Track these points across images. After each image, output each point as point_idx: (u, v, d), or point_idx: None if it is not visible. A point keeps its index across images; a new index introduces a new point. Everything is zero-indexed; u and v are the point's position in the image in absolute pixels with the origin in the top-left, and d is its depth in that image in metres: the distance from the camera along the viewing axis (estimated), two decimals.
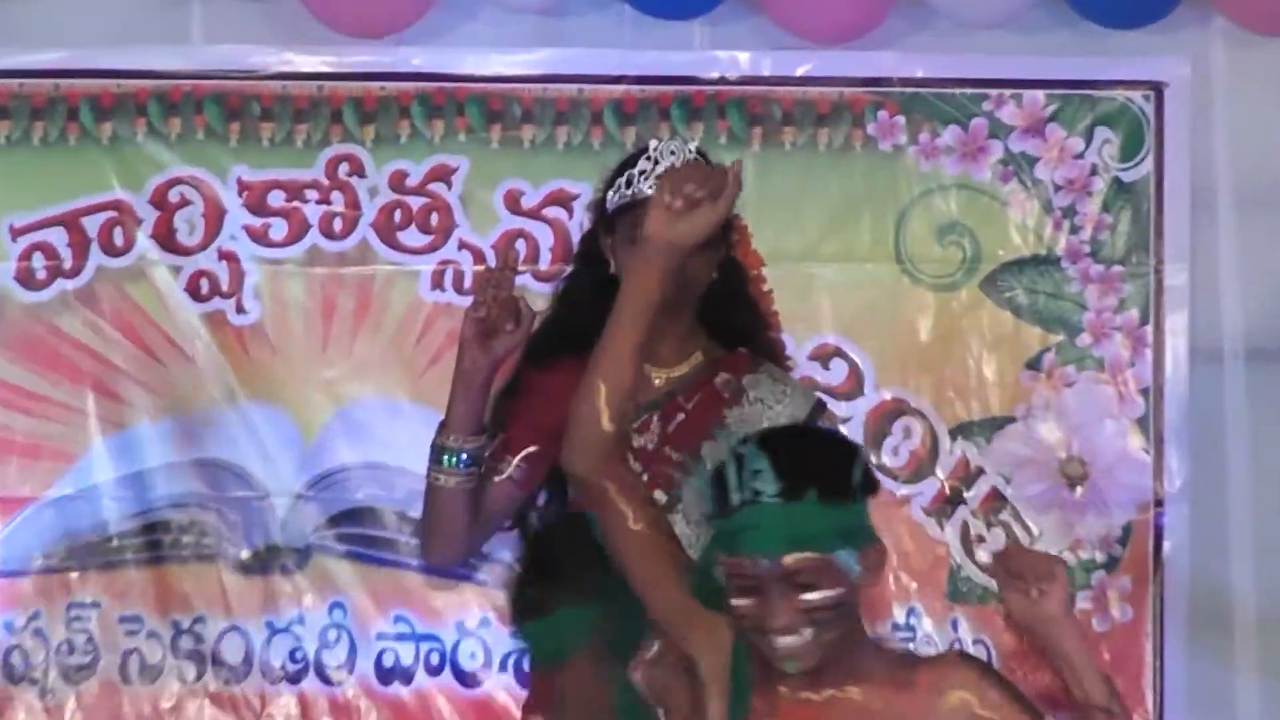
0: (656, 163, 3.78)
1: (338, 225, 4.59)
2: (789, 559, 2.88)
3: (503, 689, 4.60)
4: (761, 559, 2.94)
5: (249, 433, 4.55)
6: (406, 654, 4.69)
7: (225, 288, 4.59)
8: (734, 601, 3.00)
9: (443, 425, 3.66)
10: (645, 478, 3.71)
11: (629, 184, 3.79)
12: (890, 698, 3.07)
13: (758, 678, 3.11)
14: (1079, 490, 4.61)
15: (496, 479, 3.73)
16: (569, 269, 4.02)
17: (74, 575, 4.53)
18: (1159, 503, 4.64)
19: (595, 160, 4.26)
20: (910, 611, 4.67)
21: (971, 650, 4.66)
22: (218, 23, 4.63)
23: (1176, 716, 4.71)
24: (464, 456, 3.71)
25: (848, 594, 2.97)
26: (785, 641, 2.98)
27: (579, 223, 4.18)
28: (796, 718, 3.12)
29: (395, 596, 4.61)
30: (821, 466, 2.99)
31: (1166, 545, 4.61)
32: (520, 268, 4.18)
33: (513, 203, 4.63)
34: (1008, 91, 4.68)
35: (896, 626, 4.72)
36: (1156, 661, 4.65)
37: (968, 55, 4.76)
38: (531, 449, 3.72)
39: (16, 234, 4.51)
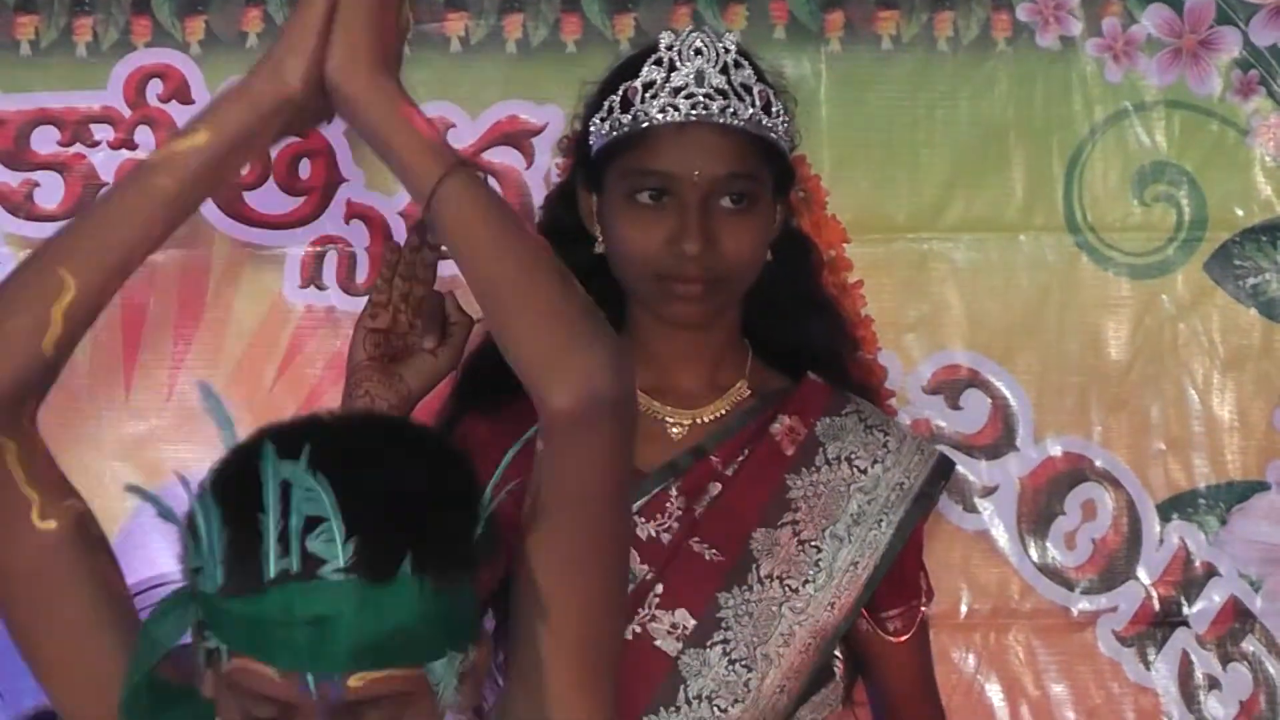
0: (674, 69, 3.82)
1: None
2: (356, 680, 2.70)
3: None
4: (304, 677, 2.74)
5: None
6: None
7: None
8: None
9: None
10: (659, 590, 3.89)
11: (626, 105, 3.80)
12: None
13: None
14: None
15: None
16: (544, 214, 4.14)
17: None
18: None
19: (566, 70, 4.32)
20: None
21: None
22: None
23: None
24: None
25: None
26: None
27: (542, 172, 4.30)
28: None
29: None
30: (425, 514, 2.78)
31: None
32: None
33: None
34: None
35: None
36: None
37: None
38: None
39: None
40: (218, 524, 2.83)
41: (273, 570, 2.76)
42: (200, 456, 4.57)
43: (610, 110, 3.98)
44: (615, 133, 3.99)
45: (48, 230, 4.72)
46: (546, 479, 3.13)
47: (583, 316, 3.12)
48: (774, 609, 4.06)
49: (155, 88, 4.94)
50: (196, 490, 2.89)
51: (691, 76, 4.04)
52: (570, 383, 3.00)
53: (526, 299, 3.12)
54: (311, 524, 2.75)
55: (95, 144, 4.86)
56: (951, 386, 4.91)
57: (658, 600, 4.04)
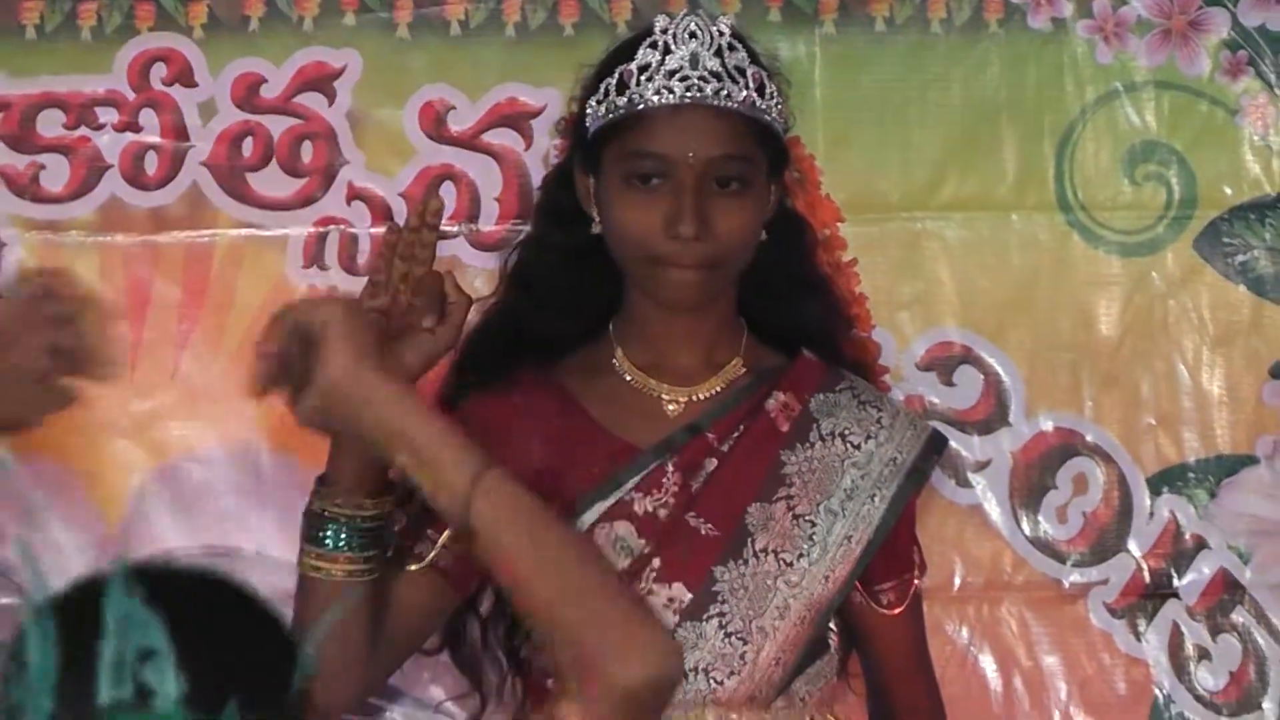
0: (668, 52, 3.89)
1: (151, 165, 4.60)
2: None
3: None
4: None
5: (14, 506, 4.59)
6: None
7: None
8: None
9: (322, 482, 3.54)
10: (656, 564, 3.93)
11: (623, 88, 3.84)
12: None
13: None
14: None
15: (412, 567, 3.68)
16: (526, 228, 4.10)
17: None
18: None
19: (565, 53, 4.30)
20: None
21: None
22: None
23: None
24: (357, 531, 3.67)
25: None
26: None
27: (541, 153, 4.21)
28: None
29: None
30: (254, 662, 2.65)
31: None
32: (445, 226, 4.14)
33: (431, 125, 4.62)
34: None
35: None
36: None
37: None
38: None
39: None
40: (52, 649, 2.61)
41: (106, 698, 2.54)
42: (203, 434, 5.07)
43: (606, 93, 3.99)
44: (611, 115, 4.02)
45: (53, 212, 5.04)
46: None
47: (636, 601, 3.44)
48: (769, 583, 4.07)
49: (159, 71, 4.89)
50: (32, 612, 2.55)
51: (686, 59, 4.08)
52: (643, 660, 3.13)
53: (583, 588, 3.26)
54: (145, 658, 2.52)
55: (100, 127, 4.82)
56: (945, 363, 4.90)
57: (654, 574, 4.02)
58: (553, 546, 3.30)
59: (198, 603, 2.66)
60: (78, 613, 2.49)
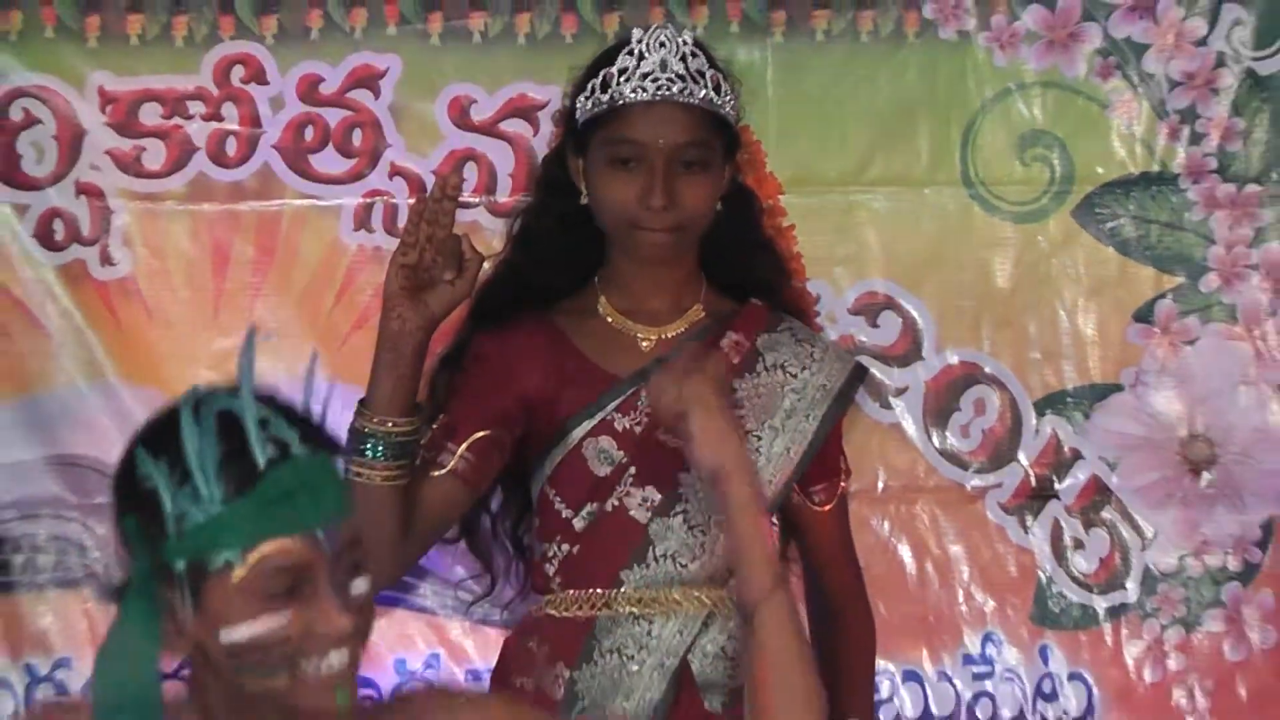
0: (642, 58, 3.89)
1: (231, 147, 4.60)
2: (345, 527, 2.72)
3: None
4: (317, 534, 2.71)
5: (120, 421, 4.46)
6: None
7: (86, 232, 4.63)
8: (264, 626, 2.64)
9: (363, 404, 3.64)
10: (632, 471, 3.92)
11: (605, 87, 3.89)
12: None
13: None
14: (1205, 478, 4.62)
15: (435, 474, 3.71)
16: (530, 199, 4.10)
17: None
18: None
19: (565, 57, 4.24)
20: (987, 639, 4.73)
21: (1067, 689, 4.91)
22: None
23: None
24: (391, 444, 3.67)
25: None
26: (334, 659, 2.75)
27: (545, 140, 4.24)
28: None
29: None
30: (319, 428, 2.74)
31: None
32: (468, 198, 4.39)
33: (458, 115, 4.64)
34: None
35: (969, 659, 4.78)
36: None
37: None
38: (481, 434, 3.72)
39: None
40: (210, 442, 2.66)
41: (262, 459, 2.60)
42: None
43: (592, 91, 4.01)
44: (596, 109, 4.01)
45: (151, 186, 4.90)
46: None
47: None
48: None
49: (238, 72, 4.87)
50: (144, 449, 2.67)
51: (657, 64, 4.05)
52: None
53: (804, 710, 3.21)
54: (268, 425, 2.61)
55: (190, 117, 4.81)
56: (871, 309, 4.88)
57: (631, 479, 4.02)
58: (796, 676, 3.22)
59: (275, 398, 2.69)
60: (210, 415, 2.59)
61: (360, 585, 2.65)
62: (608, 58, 3.98)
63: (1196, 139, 4.82)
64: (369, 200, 4.75)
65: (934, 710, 4.93)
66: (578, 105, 3.99)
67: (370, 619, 2.73)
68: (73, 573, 4.77)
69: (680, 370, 3.51)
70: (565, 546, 4.12)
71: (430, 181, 4.49)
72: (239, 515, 2.64)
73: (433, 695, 3.23)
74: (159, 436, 2.61)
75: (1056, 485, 4.85)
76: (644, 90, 4.00)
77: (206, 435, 2.59)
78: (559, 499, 4.03)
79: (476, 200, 4.63)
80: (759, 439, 4.10)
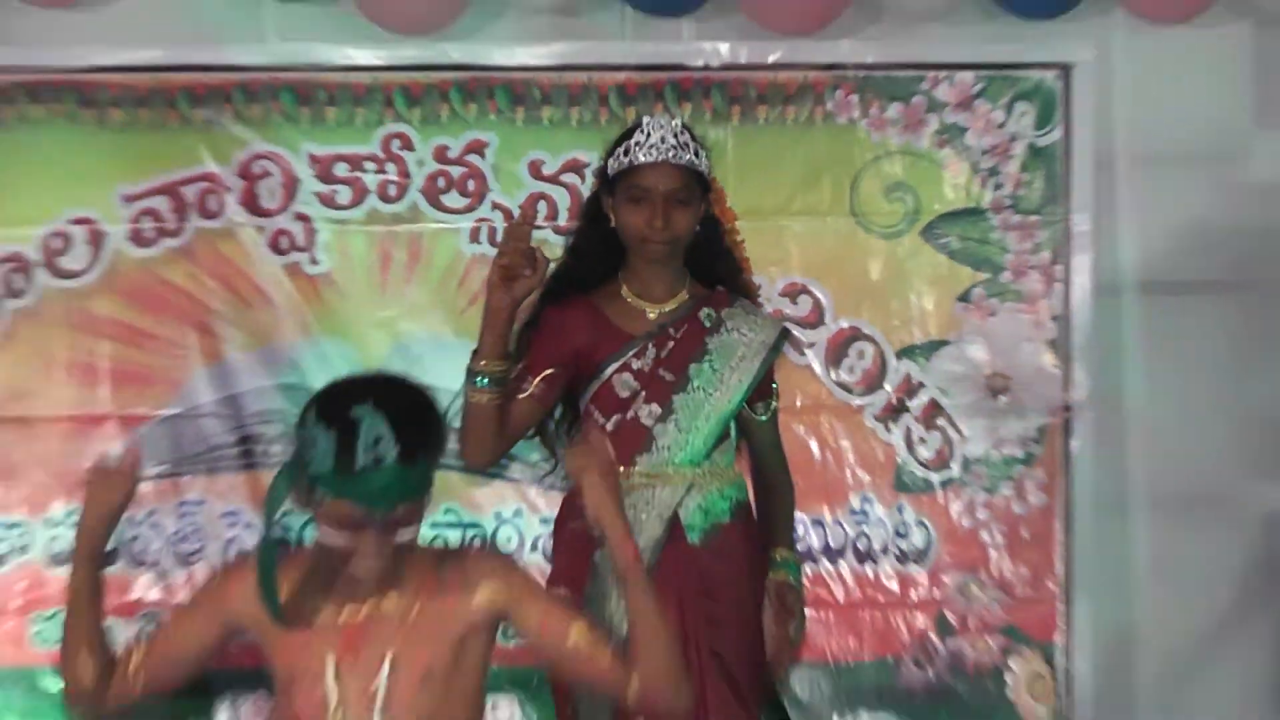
0: (649, 135, 3.74)
1: (392, 190, 4.59)
2: (401, 506, 2.86)
3: (534, 566, 4.43)
4: (373, 509, 2.87)
5: (321, 362, 4.54)
6: (454, 538, 4.68)
7: (301, 243, 4.61)
8: (329, 537, 2.91)
9: (475, 353, 3.58)
10: (643, 394, 3.70)
11: (626, 153, 3.76)
12: (426, 603, 2.97)
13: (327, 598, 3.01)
14: (1002, 399, 4.71)
15: (520, 396, 3.66)
16: (578, 225, 3.97)
17: (184, 479, 4.59)
18: (1067, 408, 4.71)
19: (602, 134, 4.14)
20: (865, 499, 4.71)
21: (914, 531, 4.75)
22: (289, 24, 4.60)
23: (1081, 581, 4.75)
24: (492, 378, 3.65)
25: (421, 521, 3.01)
26: (366, 566, 2.94)
27: (588, 187, 4.05)
28: (343, 638, 3.01)
29: (444, 492, 4.37)
30: (430, 432, 2.95)
31: (1074, 443, 4.72)
32: (541, 224, 4.24)
33: (535, 171, 4.63)
34: (942, 73, 4.67)
35: (854, 512, 4.73)
36: (1066, 538, 4.73)
37: (910, 44, 4.68)
38: (548, 371, 3.65)
39: (128, 200, 4.55)
40: (331, 438, 2.87)
41: (360, 464, 2.85)
42: (415, 328, 4.76)
43: (618, 155, 3.84)
44: (620, 166, 3.83)
45: (342, 215, 4.71)
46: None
47: (680, 658, 3.14)
48: (700, 401, 3.79)
49: (395, 143, 4.78)
50: (311, 413, 2.93)
51: (658, 139, 3.83)
52: (678, 690, 3.06)
53: (655, 636, 3.03)
54: (377, 440, 2.85)
55: (365, 171, 4.72)
56: (792, 293, 4.83)
57: (641, 399, 3.75)
58: (646, 617, 3.04)
59: (398, 396, 2.90)
60: (339, 414, 2.80)
61: (404, 535, 2.88)
62: (628, 134, 3.85)
63: (998, 187, 4.78)
64: (478, 224, 4.67)
65: (831, 544, 4.83)
66: (609, 164, 3.83)
67: (414, 533, 2.96)
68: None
69: (580, 449, 3.23)
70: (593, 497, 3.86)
71: (517, 213, 4.46)
72: (334, 483, 2.85)
73: (476, 553, 3.47)
74: (323, 405, 2.84)
75: (908, 404, 4.83)
76: (650, 155, 3.79)
77: (333, 436, 2.80)
78: (597, 411, 3.83)
79: (545, 225, 4.47)
80: (721, 374, 3.81)
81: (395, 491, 2.71)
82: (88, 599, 2.94)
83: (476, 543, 4.63)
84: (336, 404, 2.68)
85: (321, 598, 2.81)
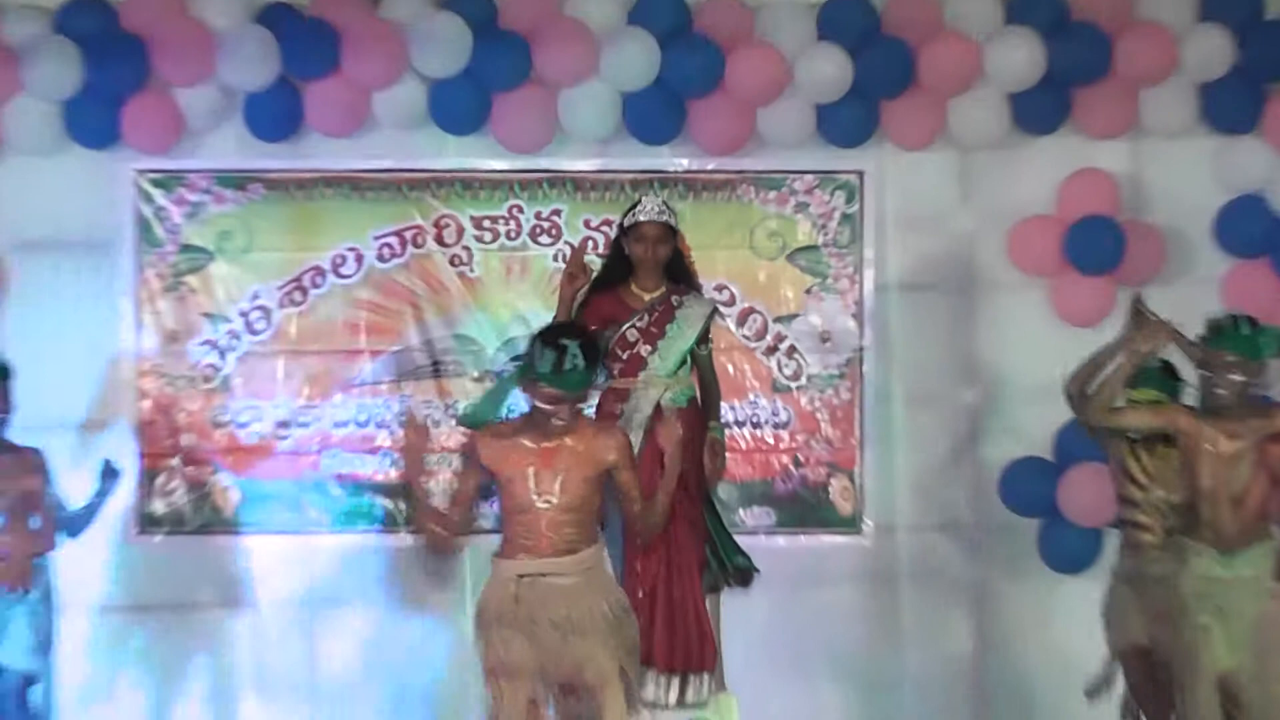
0: (645, 206, 4.18)
1: (512, 234, 5.05)
2: (579, 393, 3.18)
3: None
4: (569, 392, 3.20)
5: (474, 324, 5.05)
6: None
7: (464, 261, 5.11)
8: (540, 405, 3.22)
9: (554, 318, 4.25)
10: (642, 340, 4.08)
11: (633, 215, 4.28)
12: (589, 443, 3.31)
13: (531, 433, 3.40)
14: (827, 344, 5.32)
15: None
16: (609, 254, 4.36)
17: (401, 385, 5.09)
18: (860, 349, 5.32)
19: (622, 205, 4.69)
20: (756, 396, 5.17)
21: (782, 412, 5.05)
22: (461, 146, 4.98)
23: (868, 439, 5.24)
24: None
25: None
26: (559, 422, 3.18)
27: (615, 231, 4.35)
28: (541, 457, 3.36)
29: None
30: (597, 356, 3.26)
31: (865, 368, 5.36)
32: (590, 255, 4.60)
33: (586, 224, 5.16)
34: (797, 176, 5.26)
35: (750, 402, 5.13)
36: (860, 416, 5.31)
37: (781, 160, 5.21)
38: (593, 328, 3.88)
39: (376, 238, 5.11)
40: (553, 355, 3.08)
41: (565, 368, 3.05)
42: (523, 305, 4.85)
43: (629, 216, 4.16)
44: (630, 221, 4.17)
45: (488, 247, 4.89)
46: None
47: (667, 510, 3.47)
48: (670, 344, 3.94)
49: (513, 210, 4.95)
50: (538, 342, 3.15)
51: (650, 207, 4.07)
52: (657, 521, 3.39)
53: (662, 501, 3.27)
54: (564, 351, 3.08)
55: (500, 223, 5.11)
56: (720, 288, 4.98)
57: (641, 342, 3.99)
58: (669, 490, 3.22)
59: (583, 337, 3.17)
60: (553, 343, 3.04)
61: (579, 408, 3.12)
62: (634, 205, 4.30)
63: (825, 234, 5.15)
64: (556, 252, 5.05)
65: (738, 419, 5.03)
66: (625, 220, 4.24)
67: (584, 407, 3.25)
68: (461, 371, 4.81)
69: (669, 428, 3.38)
70: (619, 365, 4.19)
71: (575, 247, 4.80)
72: (551, 378, 3.07)
73: (611, 424, 3.64)
74: (545, 338, 3.13)
75: (779, 346, 5.13)
76: (646, 216, 4.15)
77: (553, 354, 3.04)
78: (618, 349, 4.16)
79: (593, 254, 4.74)
80: (683, 330, 4.04)
81: (579, 384, 3.17)
82: (423, 496, 3.36)
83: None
84: (553, 338, 3.19)
85: (529, 436, 3.24)
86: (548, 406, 3.15)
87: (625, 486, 3.23)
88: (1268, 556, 3.47)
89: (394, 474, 4.55)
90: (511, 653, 3.07)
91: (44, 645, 4.00)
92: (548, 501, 3.14)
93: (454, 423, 4.55)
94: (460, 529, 3.29)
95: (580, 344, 3.16)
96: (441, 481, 4.22)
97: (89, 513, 4.12)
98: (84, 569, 4.44)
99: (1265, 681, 3.42)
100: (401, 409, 4.74)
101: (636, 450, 3.66)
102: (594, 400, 3.87)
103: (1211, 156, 4.95)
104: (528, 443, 3.16)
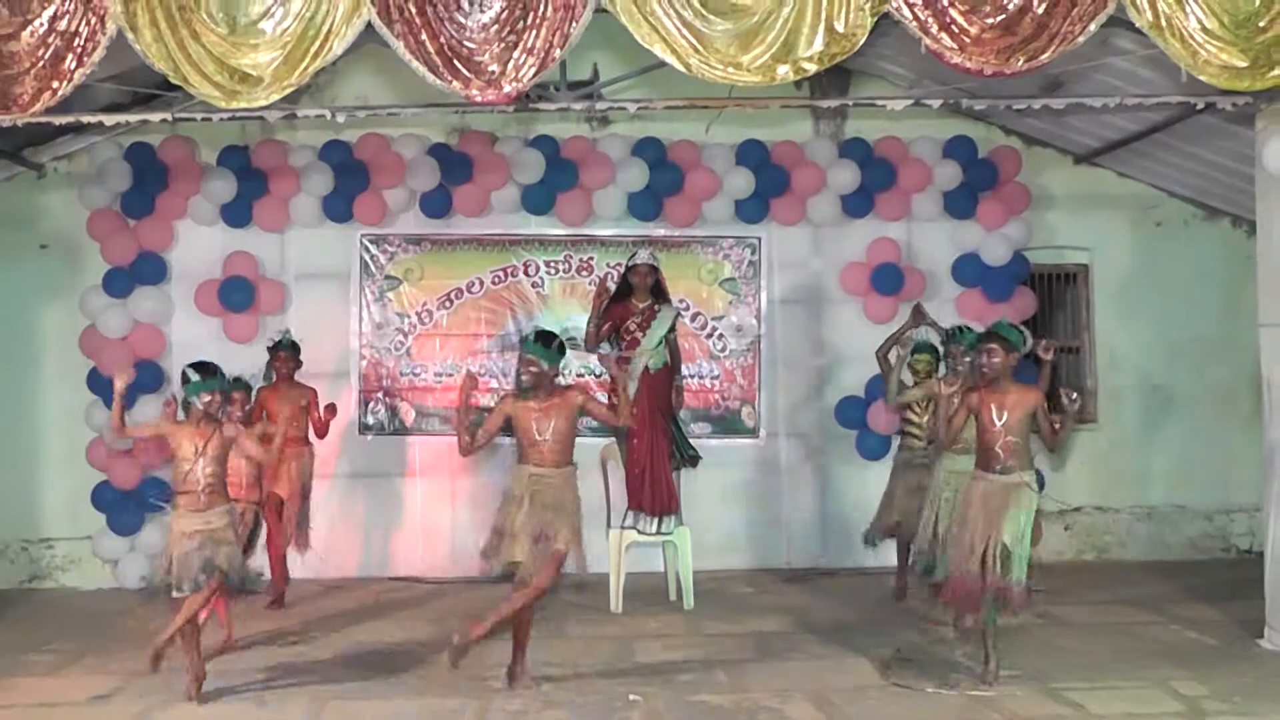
0: (639, 255, 6.99)
1: (569, 270, 8.39)
2: (551, 366, 5.05)
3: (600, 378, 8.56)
4: (543, 361, 4.72)
5: (545, 322, 8.28)
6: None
7: (539, 282, 8.30)
8: (527, 371, 4.96)
9: (588, 321, 6.93)
10: (637, 330, 6.59)
11: (632, 260, 7.14)
12: (564, 400, 4.88)
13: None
14: (741, 331, 8.31)
15: (604, 327, 6.84)
16: (619, 283, 7.23)
17: (503, 354, 8.23)
18: (759, 336, 8.43)
19: (627, 255, 7.57)
20: (700, 362, 8.32)
21: (715, 370, 8.13)
22: (537, 222, 8.43)
23: (764, 385, 8.33)
24: (593, 321, 6.83)
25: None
26: (543, 388, 4.39)
27: (623, 269, 7.53)
28: (541, 411, 4.90)
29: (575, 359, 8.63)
30: (560, 343, 4.60)
31: (762, 346, 8.56)
32: (609, 283, 7.42)
33: (609, 265, 8.36)
34: (723, 238, 8.41)
35: (699, 365, 8.19)
36: (759, 373, 8.39)
37: (715, 228, 8.34)
38: (606, 325, 6.69)
39: (491, 271, 8.28)
40: (533, 339, 4.60)
41: (548, 345, 4.56)
42: (573, 312, 8.04)
43: (630, 261, 6.92)
44: (630, 264, 6.94)
45: (551, 276, 7.90)
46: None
47: (629, 415, 4.92)
48: (654, 333, 6.73)
49: (569, 256, 8.14)
50: (530, 334, 4.49)
51: (643, 256, 6.91)
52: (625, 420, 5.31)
53: (624, 407, 5.19)
54: (546, 339, 4.81)
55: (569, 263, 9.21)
56: (681, 302, 8.11)
57: (638, 331, 6.85)
58: (628, 400, 4.84)
59: (551, 333, 4.97)
60: (537, 334, 4.99)
61: (555, 379, 4.38)
62: (633, 254, 7.17)
63: (741, 273, 8.29)
64: (590, 282, 8.24)
65: (688, 375, 8.30)
66: (627, 264, 7.09)
67: (555, 375, 4.62)
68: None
69: (619, 370, 5.48)
70: (625, 343, 6.90)
71: (600, 279, 8.09)
72: (530, 348, 5.01)
73: (578, 384, 5.87)
74: (535, 333, 4.87)
75: (716, 333, 8.38)
76: (640, 260, 7.04)
77: (537, 336, 4.81)
78: (626, 333, 6.88)
79: (612, 284, 7.50)
80: (662, 323, 6.66)
81: (550, 358, 4.59)
82: (462, 417, 5.26)
83: (589, 378, 6.69)
84: (538, 333, 4.97)
85: (533, 399, 4.90)
86: (529, 371, 4.46)
87: (597, 411, 4.93)
88: (971, 456, 6.34)
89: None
90: (519, 517, 4.94)
91: (304, 493, 7.63)
92: (544, 437, 4.81)
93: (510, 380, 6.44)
94: (469, 450, 5.11)
95: (548, 335, 4.54)
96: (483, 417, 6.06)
97: (326, 427, 7.49)
98: (332, 453, 7.89)
99: (991, 534, 5.53)
100: (485, 367, 7.68)
101: (634, 391, 5.86)
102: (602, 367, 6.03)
103: (949, 232, 8.27)
104: (533, 404, 4.93)
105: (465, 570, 7.28)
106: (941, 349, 6.45)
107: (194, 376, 5.21)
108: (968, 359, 6.08)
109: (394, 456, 7.92)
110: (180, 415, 5.21)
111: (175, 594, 5.12)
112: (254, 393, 6.95)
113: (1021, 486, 5.12)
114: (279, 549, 6.93)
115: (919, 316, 6.50)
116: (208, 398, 5.14)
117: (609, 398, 5.61)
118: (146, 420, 6.52)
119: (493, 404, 4.98)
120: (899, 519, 6.82)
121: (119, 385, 5.22)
